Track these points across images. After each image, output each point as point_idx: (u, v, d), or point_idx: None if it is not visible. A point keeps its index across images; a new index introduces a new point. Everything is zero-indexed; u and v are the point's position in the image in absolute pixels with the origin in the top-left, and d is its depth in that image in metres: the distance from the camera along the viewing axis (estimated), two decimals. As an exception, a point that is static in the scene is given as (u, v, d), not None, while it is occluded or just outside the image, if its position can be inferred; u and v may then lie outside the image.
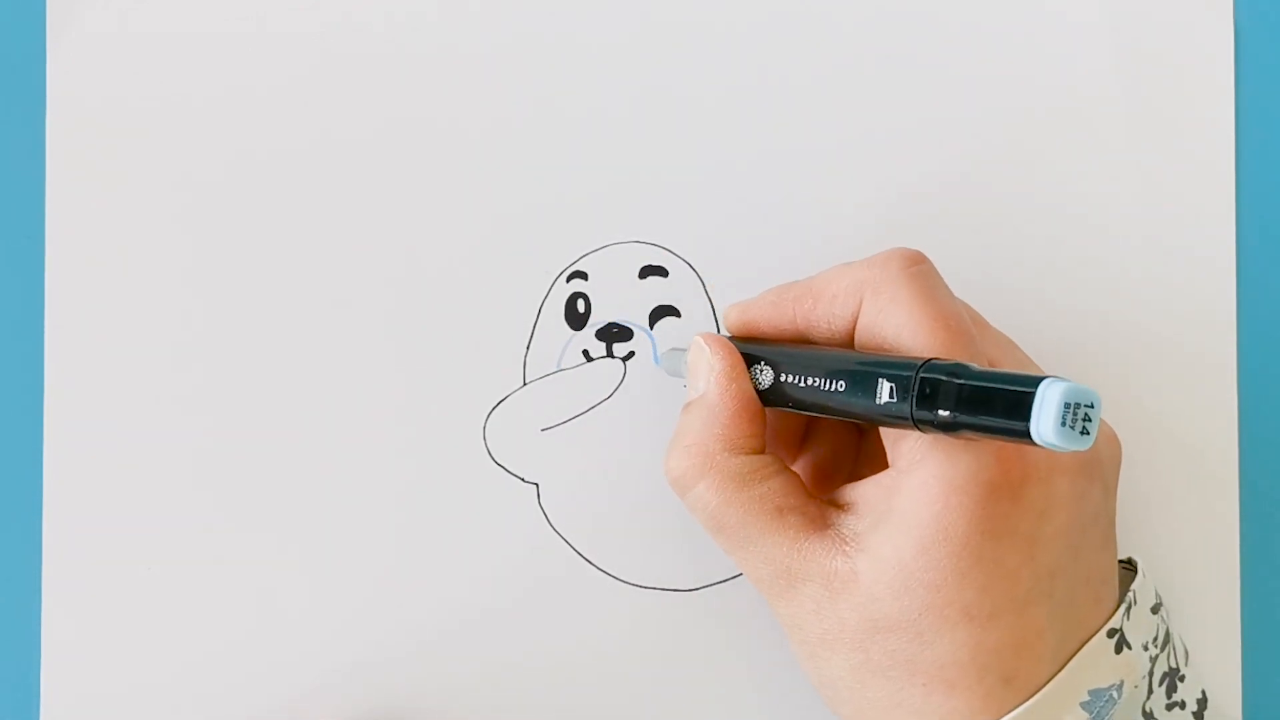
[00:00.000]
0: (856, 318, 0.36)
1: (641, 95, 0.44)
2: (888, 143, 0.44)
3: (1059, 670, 0.35)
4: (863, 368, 0.35)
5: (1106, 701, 0.36)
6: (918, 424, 0.33)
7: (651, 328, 0.44)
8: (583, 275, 0.44)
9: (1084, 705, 0.36)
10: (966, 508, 0.34)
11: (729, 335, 0.40)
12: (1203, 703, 0.40)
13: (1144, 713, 0.37)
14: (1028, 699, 0.35)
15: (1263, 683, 0.44)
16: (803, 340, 0.38)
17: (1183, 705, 0.39)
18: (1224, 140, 0.45)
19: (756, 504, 0.37)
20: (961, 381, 0.32)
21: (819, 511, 0.37)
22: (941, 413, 0.32)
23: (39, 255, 0.44)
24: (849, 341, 0.37)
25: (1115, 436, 0.38)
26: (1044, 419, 0.30)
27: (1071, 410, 0.30)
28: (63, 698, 0.43)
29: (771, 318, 0.38)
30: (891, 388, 0.33)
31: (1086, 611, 0.36)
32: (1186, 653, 0.40)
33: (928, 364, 0.33)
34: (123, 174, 0.44)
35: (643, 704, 0.43)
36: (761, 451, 0.38)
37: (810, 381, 0.36)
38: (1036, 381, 0.30)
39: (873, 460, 0.39)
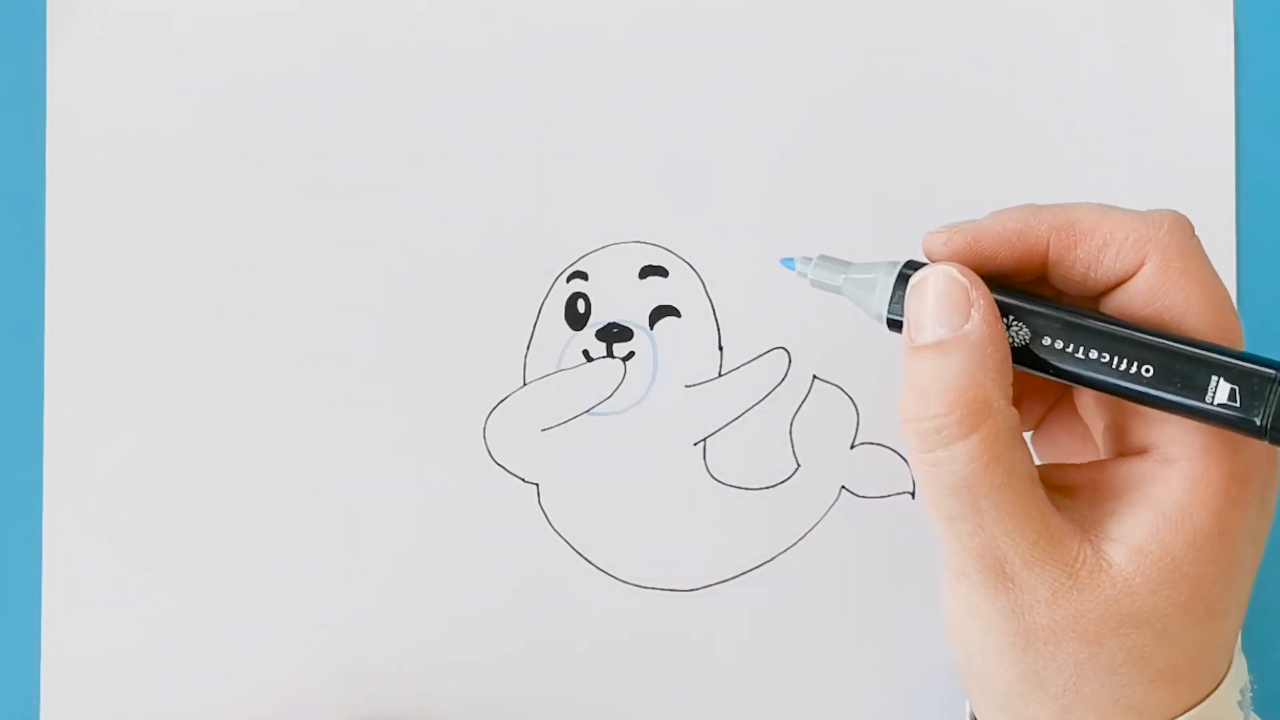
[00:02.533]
0: (1128, 276, 0.33)
1: (642, 96, 0.44)
2: (887, 143, 0.44)
3: (1229, 667, 0.35)
4: (1190, 358, 0.31)
5: (1246, 702, 0.35)
6: (1270, 437, 0.30)
7: (651, 328, 0.44)
8: (583, 275, 0.44)
9: (1239, 704, 0.35)
10: (1240, 503, 0.32)
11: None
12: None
13: None
14: (1211, 693, 0.34)
15: (1263, 682, 0.44)
16: (1035, 277, 0.34)
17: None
18: (1224, 140, 0.45)
19: (1019, 467, 0.32)
20: None
21: (1047, 491, 0.33)
22: None
23: (39, 255, 0.44)
24: (1097, 295, 0.34)
25: None
26: None
27: None
28: (63, 698, 0.43)
29: (1016, 247, 0.34)
30: (1232, 391, 0.30)
31: None
32: None
33: None
34: (123, 173, 0.44)
35: (643, 704, 0.43)
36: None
37: (1093, 355, 0.32)
38: None
39: (1031, 406, 0.37)
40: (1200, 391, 0.31)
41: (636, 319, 0.44)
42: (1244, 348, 0.33)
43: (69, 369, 0.43)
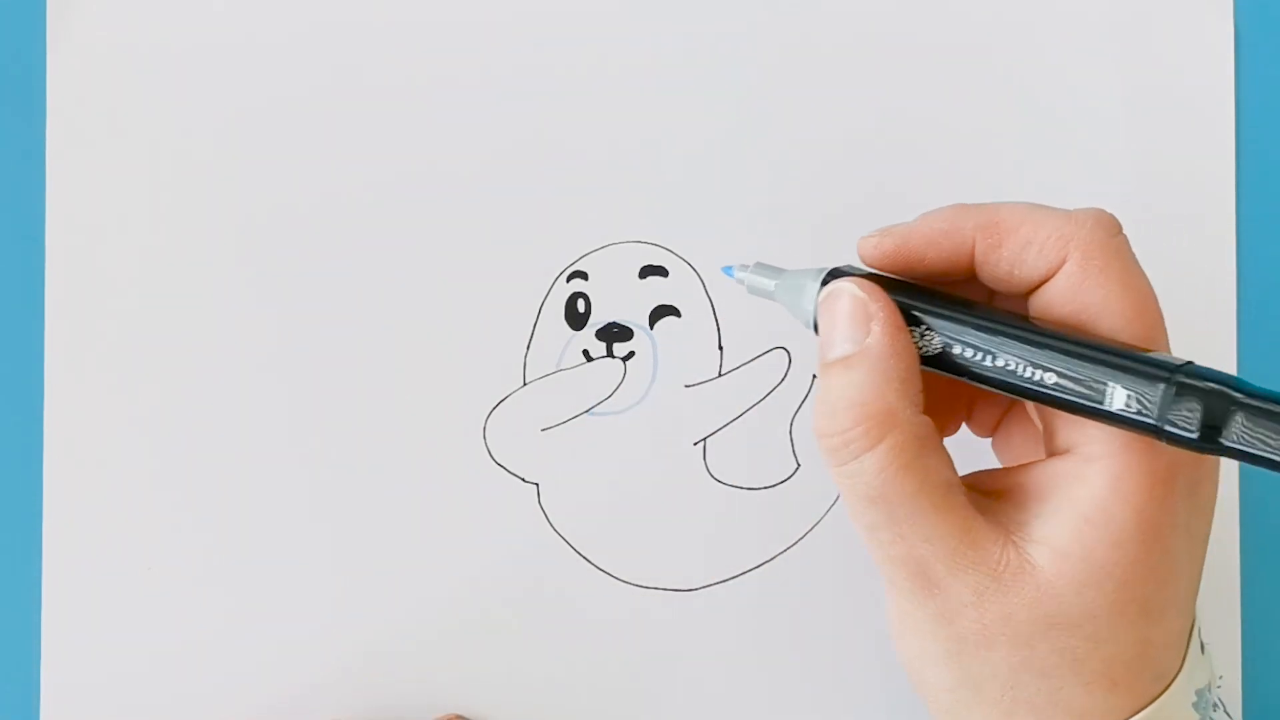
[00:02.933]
0: (1050, 274, 0.33)
1: (642, 95, 0.44)
2: (887, 142, 0.44)
3: (1179, 669, 0.34)
4: (1089, 363, 0.31)
5: (1205, 703, 0.35)
6: (1168, 439, 0.30)
7: (651, 328, 0.44)
8: (583, 275, 0.44)
9: (1194, 706, 0.34)
10: (1165, 502, 0.32)
11: (865, 272, 0.35)
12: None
13: None
14: (1158, 695, 0.33)
15: (1263, 682, 0.44)
16: (965, 277, 0.34)
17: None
18: (1224, 140, 0.45)
19: (933, 474, 0.32)
20: (1247, 403, 0.29)
21: (972, 495, 0.33)
22: (1204, 437, 0.29)
23: (39, 255, 0.44)
24: (1024, 294, 0.34)
25: None
26: None
27: None
28: (63, 698, 0.43)
29: (943, 247, 0.34)
30: (1129, 396, 0.30)
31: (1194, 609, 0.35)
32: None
33: (1184, 369, 0.30)
34: (123, 174, 0.44)
35: (643, 704, 0.43)
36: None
37: (1000, 362, 0.32)
38: None
39: (984, 409, 0.38)
40: (1099, 395, 0.31)
41: (636, 319, 0.44)
42: (1167, 346, 0.33)
43: (69, 369, 0.43)
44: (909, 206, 0.44)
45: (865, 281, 0.34)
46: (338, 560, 0.43)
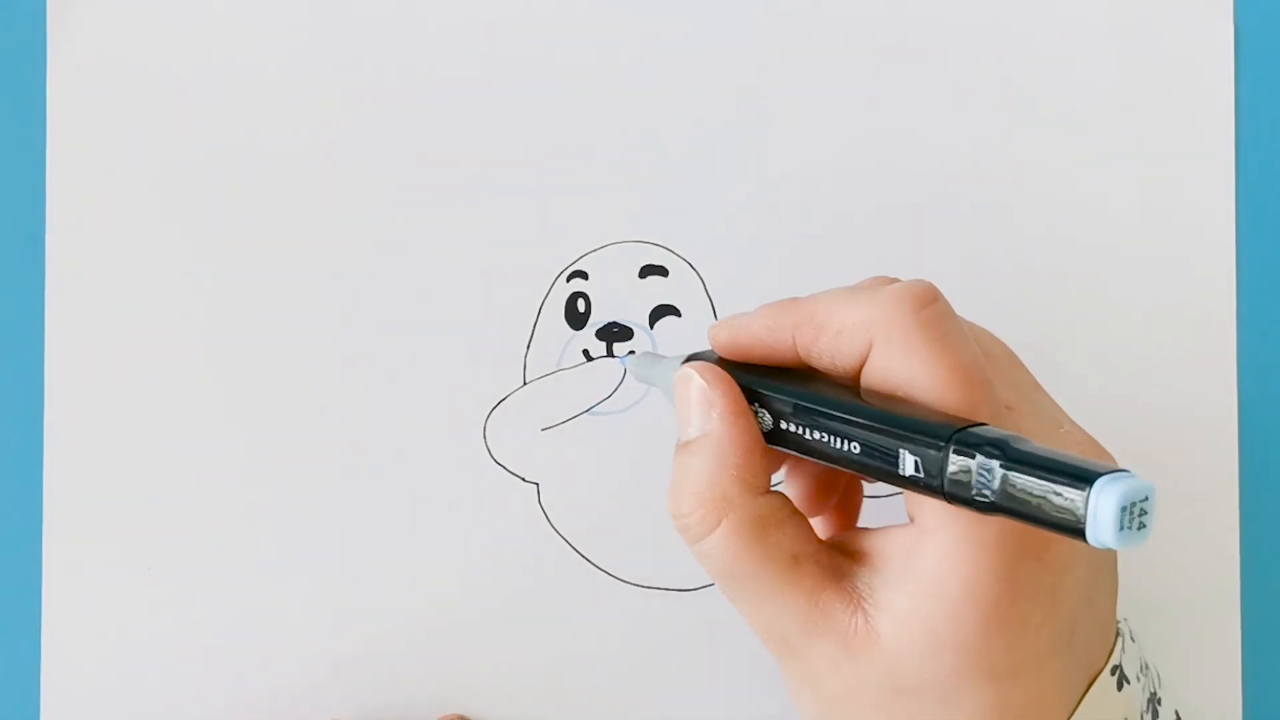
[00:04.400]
0: (864, 359, 0.34)
1: (642, 95, 0.44)
2: (886, 142, 0.44)
3: (1070, 716, 0.34)
4: (881, 433, 0.32)
5: None
6: (950, 501, 0.30)
7: (651, 327, 0.44)
8: (583, 275, 0.44)
9: None
10: (997, 569, 0.32)
11: (717, 356, 0.37)
12: None
13: None
14: None
15: (1263, 683, 0.44)
16: (800, 366, 0.36)
17: None
18: (1224, 140, 0.45)
19: (774, 551, 0.34)
20: (1014, 464, 0.29)
21: (831, 561, 0.34)
22: (980, 499, 0.29)
23: (39, 255, 0.44)
24: (853, 377, 0.34)
25: None
26: (1101, 525, 0.27)
27: (1128, 511, 0.27)
28: (63, 698, 0.43)
29: (767, 343, 0.36)
30: (916, 462, 0.30)
31: (1096, 655, 0.35)
32: (1158, 675, 0.40)
33: (960, 433, 0.30)
34: (123, 174, 0.44)
35: (643, 704, 0.43)
36: (769, 491, 0.35)
37: (817, 436, 0.33)
38: (1091, 478, 0.27)
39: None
40: (894, 464, 0.31)
41: (636, 318, 0.44)
42: (989, 409, 0.33)
43: (69, 369, 0.43)
44: (906, 205, 0.44)
45: (710, 367, 0.35)
46: (338, 560, 0.43)
